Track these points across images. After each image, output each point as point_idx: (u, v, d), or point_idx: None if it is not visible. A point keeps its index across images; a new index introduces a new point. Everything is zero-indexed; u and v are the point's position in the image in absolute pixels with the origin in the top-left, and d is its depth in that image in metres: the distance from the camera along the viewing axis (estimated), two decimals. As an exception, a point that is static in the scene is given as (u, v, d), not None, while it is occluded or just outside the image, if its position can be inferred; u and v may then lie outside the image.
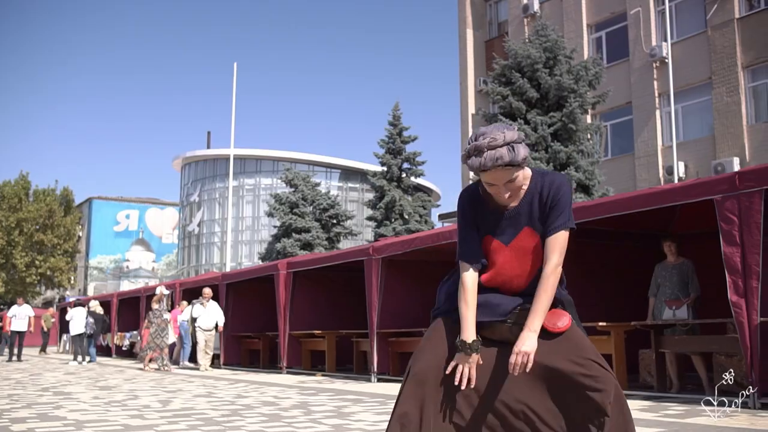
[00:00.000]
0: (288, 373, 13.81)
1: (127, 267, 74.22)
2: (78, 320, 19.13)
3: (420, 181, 40.73)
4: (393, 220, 33.88)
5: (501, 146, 2.64)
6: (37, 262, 55.17)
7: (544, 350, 2.74)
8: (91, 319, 18.99)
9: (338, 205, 34.53)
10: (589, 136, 22.04)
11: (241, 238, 60.92)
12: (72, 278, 60.27)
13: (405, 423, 2.78)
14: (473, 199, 2.90)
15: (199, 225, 63.32)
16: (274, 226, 35.08)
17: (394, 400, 2.84)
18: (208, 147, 67.23)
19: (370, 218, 35.51)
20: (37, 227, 55.76)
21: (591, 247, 10.03)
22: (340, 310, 14.43)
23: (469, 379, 2.76)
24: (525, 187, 2.85)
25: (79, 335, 19.02)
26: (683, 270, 8.03)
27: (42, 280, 56.58)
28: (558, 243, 2.80)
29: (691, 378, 8.31)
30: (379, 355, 11.50)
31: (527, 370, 2.69)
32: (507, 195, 2.76)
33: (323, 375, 13.01)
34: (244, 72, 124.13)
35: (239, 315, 16.66)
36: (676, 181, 21.19)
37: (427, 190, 48.56)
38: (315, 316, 14.35)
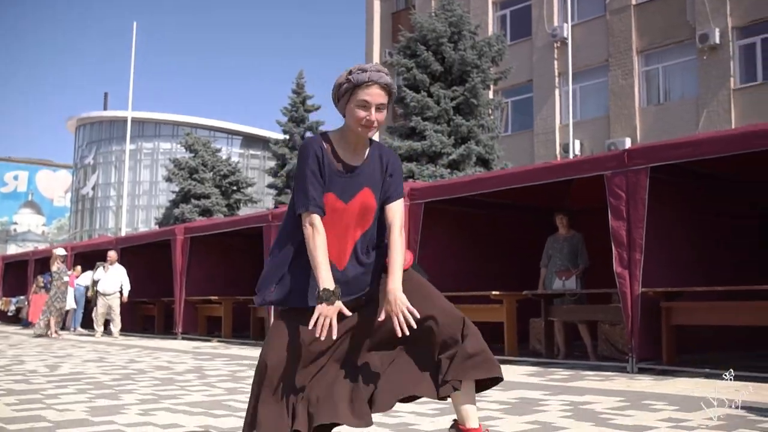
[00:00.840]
0: (183, 339, 13.61)
1: (15, 230, 70.90)
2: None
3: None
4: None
5: (384, 72, 2.83)
6: None
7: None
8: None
9: (239, 171, 34.01)
10: (490, 112, 22.48)
11: (137, 203, 59.21)
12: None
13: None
14: (321, 151, 2.86)
15: (93, 188, 61.10)
16: (173, 192, 34.21)
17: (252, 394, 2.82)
18: (105, 109, 64.77)
19: (270, 186, 35.13)
20: None
21: (487, 219, 10.31)
22: (237, 277, 14.26)
23: (330, 332, 2.70)
24: (367, 150, 2.94)
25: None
26: (573, 243, 8.36)
27: None
28: (400, 209, 2.95)
29: (576, 346, 8.68)
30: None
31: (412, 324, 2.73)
32: (372, 123, 2.80)
33: (219, 341, 12.90)
34: (145, 33, 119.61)
35: (134, 281, 16.18)
36: (571, 158, 21.97)
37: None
38: (212, 282, 14.15)
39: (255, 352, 10.09)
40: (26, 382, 6.33)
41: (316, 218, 2.79)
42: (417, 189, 9.41)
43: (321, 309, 2.66)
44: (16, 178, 72.62)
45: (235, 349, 10.89)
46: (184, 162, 32.88)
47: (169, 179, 33.54)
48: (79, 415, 4.48)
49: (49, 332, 14.42)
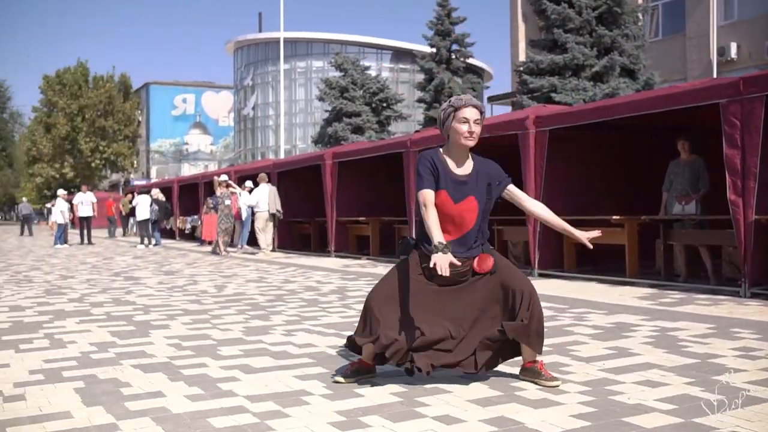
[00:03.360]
0: (336, 256, 14.84)
1: (187, 150, 76.32)
2: (143, 207, 20.47)
3: (472, 61, 40.34)
4: (443, 102, 34.05)
5: (474, 98, 3.80)
6: (100, 148, 57.23)
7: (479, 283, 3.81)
8: (154, 206, 20.34)
9: (388, 88, 34.83)
10: (639, 17, 21.69)
11: (295, 121, 61.81)
12: (135, 162, 62.50)
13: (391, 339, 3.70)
14: (437, 158, 3.81)
15: (253, 108, 64.30)
16: (326, 110, 35.65)
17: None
18: (260, 30, 67.16)
19: (420, 101, 35.78)
20: (99, 113, 57.43)
21: (611, 143, 10.50)
22: (382, 198, 15.18)
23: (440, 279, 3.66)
24: (471, 164, 3.85)
25: (145, 220, 20.41)
26: (694, 167, 8.48)
27: (106, 164, 58.90)
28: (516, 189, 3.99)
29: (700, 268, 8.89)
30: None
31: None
32: (472, 134, 3.73)
33: (368, 259, 14.00)
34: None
35: (290, 201, 17.60)
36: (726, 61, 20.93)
37: (479, 71, 48.06)
38: (360, 203, 15.22)
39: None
40: (198, 302, 7.57)
41: (429, 193, 3.73)
42: (542, 117, 9.75)
43: (436, 257, 3.48)
44: (184, 101, 77.64)
45: (381, 268, 11.87)
46: (335, 81, 34.08)
47: (321, 99, 34.95)
48: (237, 334, 5.52)
49: (218, 250, 16.19)
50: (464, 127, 3.72)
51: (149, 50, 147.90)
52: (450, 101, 3.81)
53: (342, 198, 15.01)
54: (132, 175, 69.22)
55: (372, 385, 3.81)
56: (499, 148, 11.83)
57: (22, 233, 31.97)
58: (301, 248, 17.59)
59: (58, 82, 58.19)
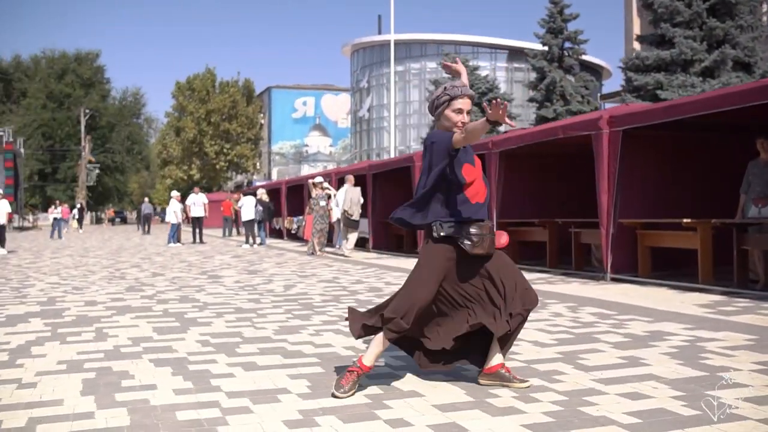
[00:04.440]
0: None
1: (306, 151, 78.39)
2: (248, 207, 21.28)
3: (588, 59, 39.32)
4: (554, 101, 33.47)
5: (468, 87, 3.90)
6: (225, 150, 59.79)
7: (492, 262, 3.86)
8: (259, 207, 21.08)
9: (497, 88, 34.48)
10: (758, 6, 20.44)
11: (409, 122, 62.20)
12: (257, 163, 64.85)
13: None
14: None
15: (368, 110, 65.23)
16: (435, 112, 35.73)
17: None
18: (379, 32, 67.98)
19: (531, 100, 35.25)
20: (223, 117, 60.02)
21: (687, 142, 10.04)
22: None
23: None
24: None
25: (250, 221, 21.21)
26: (773, 168, 7.99)
27: (230, 166, 61.48)
28: None
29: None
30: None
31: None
32: (464, 125, 3.79)
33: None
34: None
35: (384, 202, 17.84)
36: None
37: (596, 68, 46.79)
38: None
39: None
40: (256, 301, 7.84)
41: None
42: (615, 117, 9.44)
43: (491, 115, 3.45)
44: (304, 104, 79.80)
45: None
46: (443, 82, 34.09)
47: (428, 100, 35.06)
48: (267, 333, 5.71)
49: (314, 251, 16.60)
50: (457, 117, 3.79)
51: (272, 55, 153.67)
52: (445, 88, 3.85)
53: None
54: (255, 177, 71.88)
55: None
56: (574, 149, 11.62)
57: (143, 231, 33.91)
58: (396, 249, 17.76)
59: (188, 88, 61.32)
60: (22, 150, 52.03)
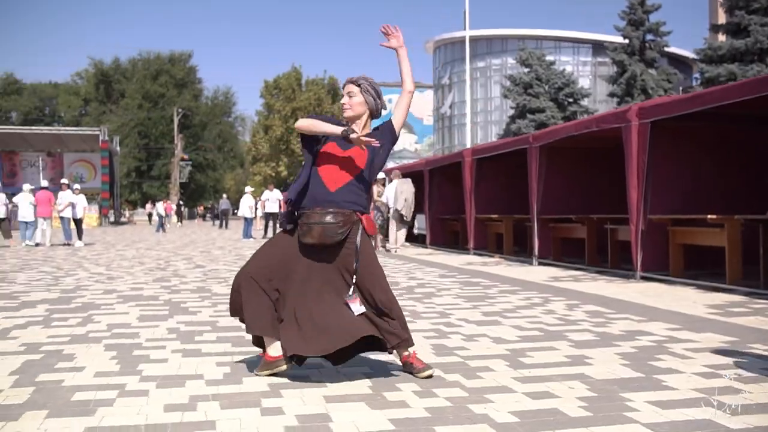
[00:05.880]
0: (474, 254, 14.73)
1: (392, 149, 78.60)
2: (272, 201, 21.89)
3: (675, 50, 37.88)
4: (635, 95, 32.45)
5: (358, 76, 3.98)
6: (312, 147, 60.64)
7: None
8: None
9: (573, 83, 33.65)
10: None
11: (490, 119, 61.55)
12: (344, 160, 65.45)
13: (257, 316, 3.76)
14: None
15: (450, 107, 64.88)
16: (511, 107, 35.23)
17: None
18: (465, 27, 67.49)
19: (611, 95, 34.31)
20: (309, 115, 60.98)
21: (719, 134, 9.54)
22: (519, 195, 14.82)
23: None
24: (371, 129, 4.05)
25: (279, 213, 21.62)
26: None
27: (317, 162, 62.33)
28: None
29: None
30: (540, 240, 11.99)
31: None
32: (344, 105, 3.96)
33: (500, 257, 13.75)
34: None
35: (441, 198, 17.75)
36: None
37: (684, 61, 44.97)
38: (497, 200, 14.99)
39: (516, 271, 10.74)
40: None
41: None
42: (644, 108, 9.05)
43: (353, 137, 3.71)
44: (390, 101, 79.52)
45: (503, 267, 11.63)
46: (519, 78, 33.55)
47: (505, 96, 34.59)
48: (242, 323, 5.77)
49: (378, 248, 16.68)
50: (342, 101, 3.99)
51: (357, 52, 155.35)
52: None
53: (480, 195, 14.88)
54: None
55: (274, 375, 3.87)
56: (612, 142, 11.21)
57: (220, 226, 34.88)
58: (452, 245, 17.63)
59: (275, 87, 62.64)
60: (117, 148, 54.36)
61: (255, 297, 3.73)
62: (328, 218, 3.71)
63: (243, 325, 4.48)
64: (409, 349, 3.87)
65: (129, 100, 66.78)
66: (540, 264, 11.77)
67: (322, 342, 3.65)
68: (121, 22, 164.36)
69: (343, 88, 3.98)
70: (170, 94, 67.15)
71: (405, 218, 15.94)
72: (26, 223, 19.36)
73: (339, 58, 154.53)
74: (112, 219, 47.97)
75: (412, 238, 19.35)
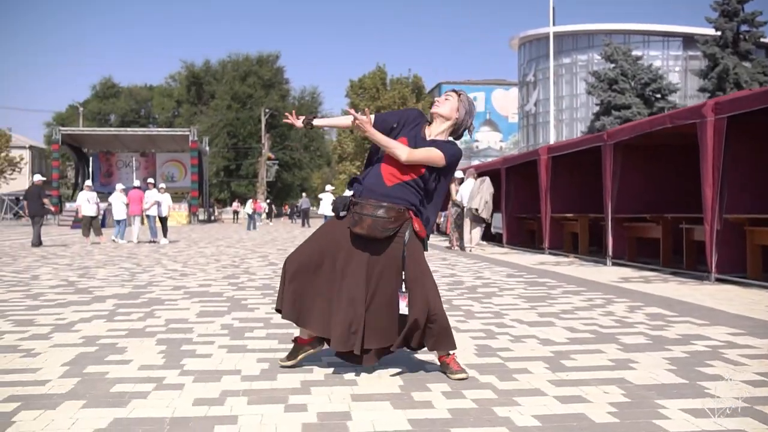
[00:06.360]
0: (549, 253, 14.48)
1: (477, 147, 78.15)
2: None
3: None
4: (727, 89, 31.20)
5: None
6: (395, 145, 60.90)
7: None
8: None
9: (661, 78, 32.57)
10: None
11: (576, 116, 60.27)
12: (428, 159, 65.38)
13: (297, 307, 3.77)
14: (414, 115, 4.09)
15: (535, 104, 63.89)
16: (595, 104, 34.42)
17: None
18: (554, 24, 66.37)
19: (702, 89, 33.11)
20: (393, 113, 61.19)
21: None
22: (595, 194, 14.48)
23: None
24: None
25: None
26: None
27: (399, 161, 62.49)
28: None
29: None
30: (615, 240, 11.69)
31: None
32: (435, 101, 4.07)
33: (575, 257, 13.47)
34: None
35: (517, 197, 17.53)
36: None
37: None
38: (573, 198, 14.69)
39: (589, 272, 10.52)
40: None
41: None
42: (721, 103, 8.68)
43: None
44: (475, 99, 79.44)
45: (568, 268, 11.40)
46: (603, 74, 32.73)
47: (589, 92, 33.81)
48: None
49: (452, 245, 16.62)
50: (438, 97, 4.07)
51: (443, 51, 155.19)
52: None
53: (556, 193, 14.62)
54: (426, 172, 72.55)
55: (296, 370, 3.92)
56: (688, 139, 10.81)
57: (303, 224, 35.42)
58: (529, 244, 17.38)
59: (360, 86, 63.21)
60: (207, 148, 56.00)
61: (293, 284, 3.80)
62: (380, 212, 3.74)
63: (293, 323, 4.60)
64: (450, 351, 3.87)
65: (218, 101, 68.66)
66: (614, 264, 11.47)
67: (351, 339, 3.69)
68: (212, 26, 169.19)
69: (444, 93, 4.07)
70: (258, 95, 68.68)
71: (487, 220, 15.82)
72: (118, 221, 20.24)
73: (424, 57, 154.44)
74: (201, 217, 49.44)
75: (490, 237, 19.19)
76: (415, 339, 3.79)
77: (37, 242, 17.37)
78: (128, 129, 50.39)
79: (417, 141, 3.88)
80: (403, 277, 3.75)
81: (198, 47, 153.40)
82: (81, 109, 71.51)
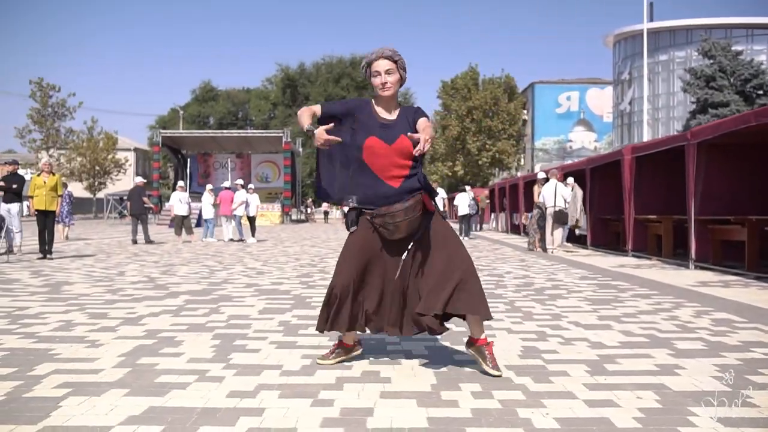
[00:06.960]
0: (632, 256, 14.10)
1: (570, 147, 76.58)
2: (462, 203, 21.88)
3: None
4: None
5: (388, 48, 3.90)
6: (487, 146, 60.61)
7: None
8: (472, 202, 21.69)
9: (764, 73, 31.07)
10: None
11: (672, 115, 58.15)
12: (521, 159, 64.77)
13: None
14: (368, 106, 3.98)
15: (630, 103, 62.04)
16: (692, 102, 33.17)
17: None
18: (651, 20, 64.34)
19: (809, 86, 31.41)
20: (488, 114, 60.87)
21: None
22: (680, 195, 14.01)
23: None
24: (397, 111, 3.99)
25: (465, 215, 21.87)
26: None
27: (492, 162, 62.13)
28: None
29: None
30: (699, 243, 11.29)
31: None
32: (385, 84, 3.87)
33: (657, 259, 13.07)
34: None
35: (602, 198, 17.16)
36: None
37: None
38: (657, 200, 14.28)
39: (667, 274, 10.21)
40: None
41: (317, 106, 3.96)
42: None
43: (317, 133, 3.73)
44: (568, 98, 77.91)
45: (647, 271, 11.09)
46: (700, 70, 31.52)
47: (684, 90, 32.63)
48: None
49: (534, 247, 16.43)
50: (377, 80, 3.87)
51: (536, 50, 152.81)
52: (364, 58, 3.95)
53: (641, 194, 14.25)
54: (518, 173, 71.82)
55: (333, 366, 4.01)
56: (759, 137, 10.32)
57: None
58: (613, 246, 16.97)
59: (452, 87, 63.12)
60: (300, 149, 57.08)
61: (340, 308, 3.93)
62: (409, 212, 3.80)
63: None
64: (486, 334, 3.91)
65: (312, 103, 69.96)
66: (697, 268, 11.06)
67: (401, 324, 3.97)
68: (307, 27, 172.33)
69: (371, 65, 3.85)
70: (351, 97, 69.65)
71: (579, 226, 15.59)
72: (206, 220, 20.99)
73: (516, 57, 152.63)
74: (294, 217, 50.49)
75: (575, 239, 18.83)
76: (451, 302, 3.78)
77: (148, 240, 18.98)
78: (224, 131, 51.98)
79: (388, 131, 3.87)
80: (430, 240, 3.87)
81: (293, 50, 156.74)
82: (181, 112, 74.28)
